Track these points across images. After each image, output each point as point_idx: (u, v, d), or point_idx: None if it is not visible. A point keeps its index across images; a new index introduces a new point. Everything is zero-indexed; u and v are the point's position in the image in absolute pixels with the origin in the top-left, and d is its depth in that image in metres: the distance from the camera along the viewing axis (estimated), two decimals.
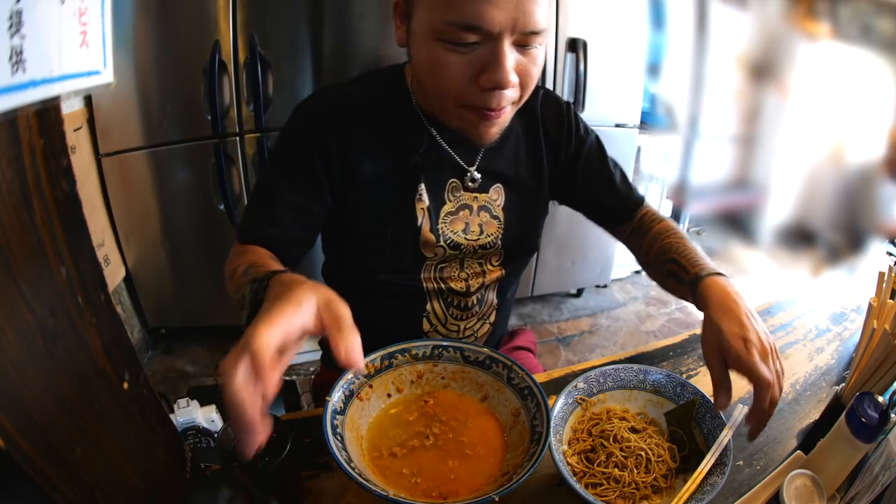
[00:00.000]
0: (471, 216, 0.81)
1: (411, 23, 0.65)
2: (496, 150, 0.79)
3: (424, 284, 0.82)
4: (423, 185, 0.77)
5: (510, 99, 0.65)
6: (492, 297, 0.88)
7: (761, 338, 0.62)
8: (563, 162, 0.86)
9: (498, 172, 0.81)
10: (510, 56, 0.61)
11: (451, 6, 0.58)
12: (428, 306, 0.84)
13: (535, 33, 0.61)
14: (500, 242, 0.83)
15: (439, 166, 0.78)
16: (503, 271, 0.86)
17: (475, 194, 0.81)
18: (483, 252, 0.83)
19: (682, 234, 0.84)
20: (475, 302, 0.86)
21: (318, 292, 0.47)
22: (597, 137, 0.89)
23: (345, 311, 0.47)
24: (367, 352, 0.63)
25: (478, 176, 0.79)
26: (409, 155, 0.76)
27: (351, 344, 0.45)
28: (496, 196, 0.82)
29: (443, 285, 0.83)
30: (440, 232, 0.79)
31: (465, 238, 0.80)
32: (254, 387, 0.39)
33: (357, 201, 0.77)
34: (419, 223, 0.77)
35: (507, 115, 0.69)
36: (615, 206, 0.90)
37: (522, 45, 0.62)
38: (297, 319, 0.44)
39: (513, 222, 0.83)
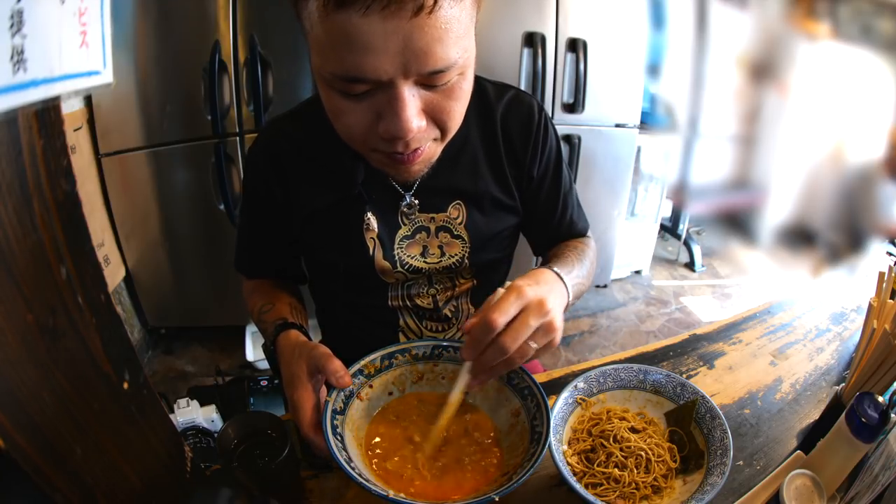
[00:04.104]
0: (429, 238, 0.76)
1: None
2: (451, 165, 0.73)
3: (391, 303, 0.81)
4: (369, 214, 0.73)
5: (424, 140, 0.58)
6: (466, 306, 0.85)
7: (542, 300, 0.56)
8: (525, 180, 0.79)
9: (456, 188, 0.75)
10: (411, 101, 0.52)
11: (329, 58, 0.51)
12: (401, 322, 0.83)
13: (440, 72, 0.51)
14: (467, 261, 0.78)
15: (384, 192, 0.74)
16: (475, 282, 0.83)
17: (431, 215, 0.75)
18: (450, 271, 0.79)
19: (573, 247, 0.80)
20: (449, 314, 0.83)
21: (307, 366, 0.61)
22: (557, 161, 0.81)
23: (322, 363, 0.60)
24: (351, 362, 0.63)
25: (416, 201, 0.74)
26: (350, 185, 0.72)
27: (333, 375, 0.59)
28: (456, 214, 0.76)
29: (409, 302, 0.81)
30: (396, 258, 0.76)
31: (424, 262, 0.76)
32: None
33: (308, 236, 0.78)
34: (371, 252, 0.75)
35: (427, 153, 0.61)
36: (544, 241, 0.87)
37: (430, 84, 0.53)
38: (311, 396, 0.60)
39: (479, 240, 0.77)
